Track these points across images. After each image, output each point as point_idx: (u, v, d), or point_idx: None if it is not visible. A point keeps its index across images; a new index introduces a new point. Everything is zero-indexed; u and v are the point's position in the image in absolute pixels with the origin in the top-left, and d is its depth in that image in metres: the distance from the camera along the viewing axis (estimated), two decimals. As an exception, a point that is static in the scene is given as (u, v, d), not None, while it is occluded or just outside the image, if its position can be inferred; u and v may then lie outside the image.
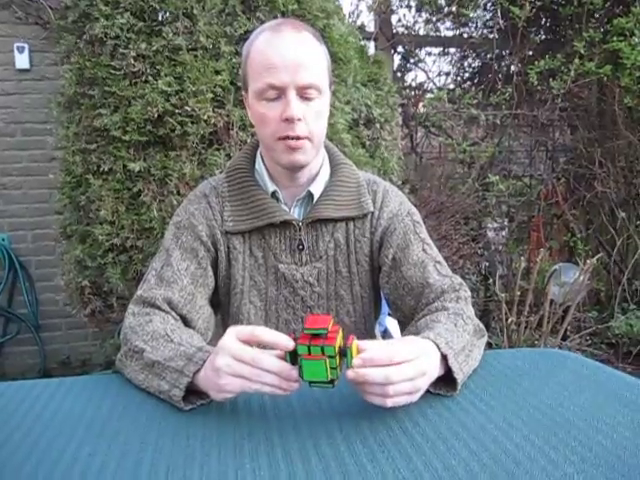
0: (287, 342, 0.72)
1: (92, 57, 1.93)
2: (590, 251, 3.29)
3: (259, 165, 1.07)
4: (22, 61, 2.80)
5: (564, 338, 2.75)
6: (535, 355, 0.98)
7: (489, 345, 2.76)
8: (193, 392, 0.80)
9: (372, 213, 1.07)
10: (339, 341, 0.71)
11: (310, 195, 1.04)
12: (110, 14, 1.88)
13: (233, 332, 0.75)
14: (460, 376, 0.81)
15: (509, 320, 2.51)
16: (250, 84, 0.97)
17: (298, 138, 0.94)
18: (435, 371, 0.79)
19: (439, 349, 0.79)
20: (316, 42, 0.97)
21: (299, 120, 0.92)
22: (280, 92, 0.93)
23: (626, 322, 3.06)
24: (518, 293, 2.52)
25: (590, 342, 3.01)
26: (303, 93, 0.93)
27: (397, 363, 0.70)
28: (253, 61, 0.95)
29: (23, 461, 0.66)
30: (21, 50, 2.79)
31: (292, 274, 1.05)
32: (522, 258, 2.80)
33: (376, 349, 0.71)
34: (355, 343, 0.71)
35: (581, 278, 2.62)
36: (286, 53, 0.92)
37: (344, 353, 0.70)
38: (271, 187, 1.04)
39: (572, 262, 3.29)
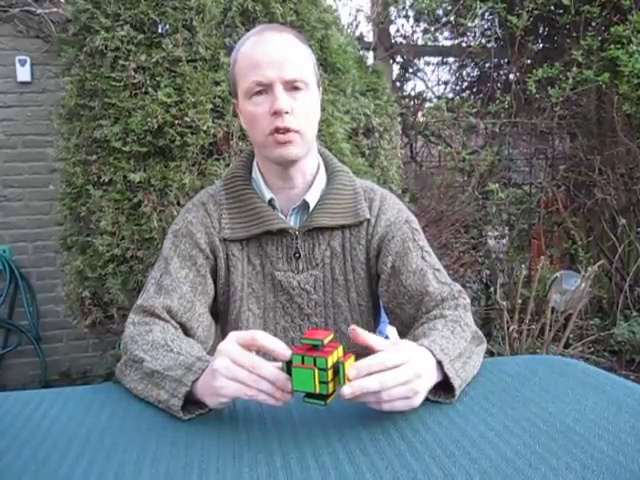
0: (285, 351, 0.71)
1: (93, 69, 1.95)
2: (591, 258, 3.28)
3: (255, 173, 1.08)
4: (23, 74, 2.82)
5: (566, 346, 2.73)
6: (535, 362, 0.98)
7: (491, 353, 2.75)
8: (192, 402, 0.80)
9: (368, 220, 1.07)
10: (335, 357, 0.70)
11: (306, 204, 1.05)
12: (110, 27, 1.90)
13: (234, 336, 0.76)
14: (457, 382, 0.80)
15: (511, 328, 2.51)
16: (239, 86, 0.99)
17: (287, 130, 0.94)
18: (432, 375, 0.78)
19: (434, 355, 0.79)
20: (299, 42, 0.99)
21: (287, 113, 0.94)
22: (267, 88, 0.94)
23: (629, 329, 3.04)
24: (519, 301, 2.51)
25: (593, 350, 3.00)
26: (290, 87, 0.95)
27: (389, 368, 0.70)
28: (240, 64, 0.98)
29: (22, 471, 0.65)
30: (23, 63, 2.81)
31: (289, 282, 1.05)
32: (523, 266, 2.81)
33: (367, 358, 0.71)
34: (351, 360, 0.70)
35: (582, 285, 2.61)
36: (270, 51, 0.94)
37: (338, 371, 0.70)
38: (268, 195, 1.05)
39: (573, 269, 3.29)
